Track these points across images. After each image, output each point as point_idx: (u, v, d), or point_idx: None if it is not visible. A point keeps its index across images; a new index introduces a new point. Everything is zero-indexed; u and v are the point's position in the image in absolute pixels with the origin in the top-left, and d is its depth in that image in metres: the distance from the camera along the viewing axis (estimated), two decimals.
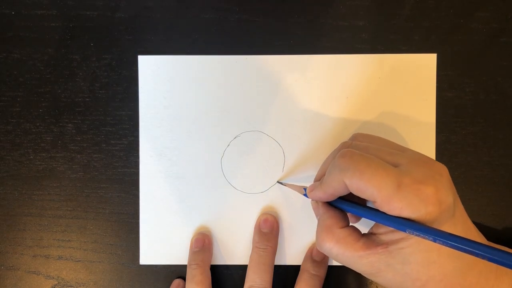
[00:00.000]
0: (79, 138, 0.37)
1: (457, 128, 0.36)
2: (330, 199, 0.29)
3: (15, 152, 0.37)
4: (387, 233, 0.27)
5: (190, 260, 0.36)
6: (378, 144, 0.29)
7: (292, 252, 0.37)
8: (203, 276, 0.35)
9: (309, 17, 0.36)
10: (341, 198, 0.30)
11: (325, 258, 0.36)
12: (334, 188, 0.28)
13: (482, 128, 0.36)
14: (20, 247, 0.37)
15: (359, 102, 0.36)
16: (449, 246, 0.24)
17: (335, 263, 0.37)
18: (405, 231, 0.25)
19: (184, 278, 0.37)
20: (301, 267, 0.36)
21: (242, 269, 0.36)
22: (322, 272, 0.35)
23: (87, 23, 0.37)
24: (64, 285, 0.37)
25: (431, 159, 0.27)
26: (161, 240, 0.37)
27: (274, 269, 0.35)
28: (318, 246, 0.29)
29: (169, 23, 0.37)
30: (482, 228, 0.36)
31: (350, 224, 0.29)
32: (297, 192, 0.35)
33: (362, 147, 0.29)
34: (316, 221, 0.37)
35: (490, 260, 0.23)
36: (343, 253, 0.28)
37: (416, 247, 0.26)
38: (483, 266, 0.27)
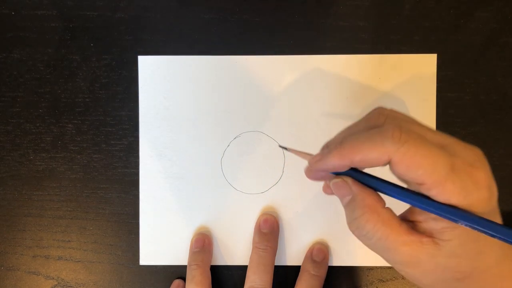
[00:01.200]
0: (79, 139, 0.37)
1: (457, 128, 0.36)
2: (342, 169, 0.25)
3: (15, 152, 0.37)
4: (428, 221, 0.24)
5: (190, 260, 0.36)
6: (416, 121, 0.26)
7: (292, 252, 0.37)
8: (203, 277, 0.34)
9: (309, 17, 0.36)
10: (364, 174, 0.26)
11: (325, 258, 0.36)
12: (366, 157, 0.24)
13: (482, 128, 0.36)
14: (20, 247, 0.37)
15: (359, 102, 0.36)
16: (507, 242, 0.22)
17: (335, 263, 0.36)
18: (457, 222, 0.23)
19: (184, 279, 0.37)
20: (301, 268, 0.36)
21: (242, 269, 0.36)
22: (323, 273, 0.35)
23: (87, 23, 0.37)
24: (64, 285, 0.37)
25: (465, 143, 0.25)
26: (161, 240, 0.37)
27: (274, 270, 0.35)
28: (357, 229, 0.25)
29: (169, 23, 0.37)
30: None
31: None
32: (296, 193, 0.35)
33: (404, 120, 0.25)
34: (315, 219, 0.37)
35: None
36: (387, 236, 0.24)
37: (465, 238, 0.23)
38: None
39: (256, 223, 0.36)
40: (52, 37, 0.37)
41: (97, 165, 0.37)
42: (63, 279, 0.37)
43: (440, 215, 0.23)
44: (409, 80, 0.36)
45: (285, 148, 0.30)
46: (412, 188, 0.24)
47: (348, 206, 0.26)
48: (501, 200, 0.35)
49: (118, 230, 0.37)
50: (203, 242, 0.36)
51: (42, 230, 0.37)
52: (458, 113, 0.36)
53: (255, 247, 0.35)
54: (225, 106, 0.37)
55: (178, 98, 0.37)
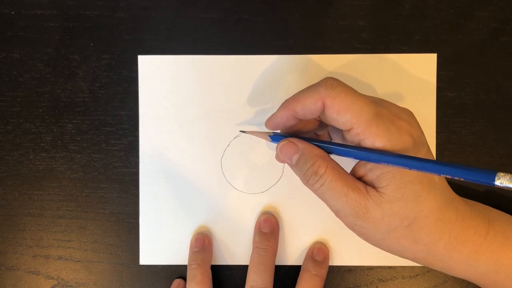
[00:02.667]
0: (79, 138, 0.37)
1: (457, 128, 0.36)
2: (290, 122, 0.29)
3: (15, 152, 0.37)
4: (367, 173, 0.27)
5: (190, 260, 0.36)
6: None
7: (292, 252, 0.37)
8: (203, 276, 0.35)
9: (309, 17, 0.36)
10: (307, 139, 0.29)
11: (326, 258, 0.36)
12: (305, 103, 0.27)
13: (482, 128, 0.36)
14: (20, 247, 0.37)
15: None
16: (429, 171, 0.24)
17: (334, 263, 0.36)
18: (380, 163, 0.25)
19: (184, 278, 0.37)
20: (301, 267, 0.36)
21: (243, 269, 0.36)
22: (323, 272, 0.35)
23: (87, 23, 0.37)
24: (64, 285, 0.37)
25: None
26: (161, 240, 0.37)
27: (275, 269, 0.35)
28: (311, 177, 0.28)
29: (169, 23, 0.37)
30: None
31: None
32: (296, 192, 0.35)
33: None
34: (315, 219, 0.37)
35: (474, 180, 0.23)
36: (337, 179, 0.27)
37: (399, 181, 0.26)
38: (458, 204, 0.28)
39: (256, 223, 0.36)
40: (52, 37, 0.37)
41: (97, 165, 0.37)
42: (63, 279, 0.37)
43: (363, 157, 0.26)
44: (409, 80, 0.36)
45: (244, 132, 0.35)
46: (346, 138, 0.27)
47: (298, 163, 0.28)
48: (502, 200, 0.35)
49: (118, 230, 0.37)
50: (203, 242, 0.36)
51: (42, 230, 0.37)
52: (458, 113, 0.36)
53: (255, 247, 0.35)
54: (225, 106, 0.37)
55: (178, 98, 0.37)
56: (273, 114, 0.30)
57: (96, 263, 0.37)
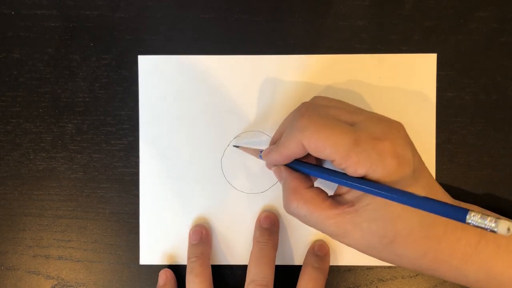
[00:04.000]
0: (79, 138, 0.37)
1: (457, 128, 0.36)
2: (286, 161, 0.30)
3: (15, 152, 0.37)
4: (349, 192, 0.27)
5: (189, 253, 0.36)
6: (336, 105, 0.29)
7: (292, 252, 0.37)
8: (202, 268, 0.34)
9: (309, 17, 0.36)
10: (298, 161, 0.30)
11: (328, 253, 0.36)
12: (291, 149, 0.28)
13: (482, 128, 0.36)
14: (20, 247, 0.37)
15: (359, 102, 0.36)
16: (400, 202, 0.24)
17: (334, 262, 0.36)
18: (362, 190, 0.26)
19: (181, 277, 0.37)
20: (304, 262, 0.36)
21: (242, 269, 0.36)
22: (326, 266, 0.35)
23: (87, 23, 0.37)
24: (64, 285, 0.37)
25: (387, 117, 0.28)
26: (161, 240, 0.37)
27: (276, 269, 0.35)
28: (286, 208, 0.29)
29: (169, 23, 0.37)
30: None
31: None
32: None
33: (321, 107, 0.29)
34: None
35: (446, 216, 0.23)
36: (311, 213, 0.28)
37: (379, 202, 0.26)
38: (450, 220, 0.27)
39: (257, 220, 0.36)
40: (52, 37, 0.37)
41: (97, 165, 0.37)
42: (63, 279, 0.37)
43: (345, 184, 0.27)
44: (409, 80, 0.36)
45: (238, 147, 0.36)
46: (334, 165, 0.27)
47: (282, 190, 0.30)
48: (502, 201, 0.35)
49: (118, 229, 0.37)
50: (201, 234, 0.36)
51: (42, 230, 0.37)
52: (458, 113, 0.36)
53: (256, 241, 0.35)
54: (225, 106, 0.37)
55: (178, 98, 0.37)
56: (267, 160, 0.31)
57: (96, 263, 0.37)
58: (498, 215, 0.24)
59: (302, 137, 0.27)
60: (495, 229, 0.21)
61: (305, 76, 0.36)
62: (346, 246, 0.36)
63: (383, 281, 0.37)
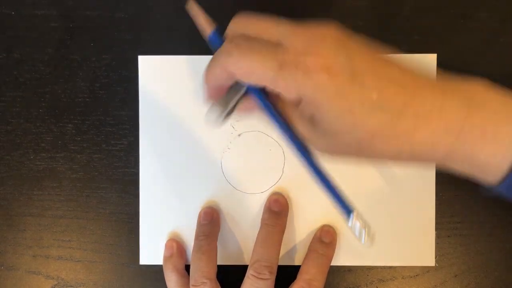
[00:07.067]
0: (79, 138, 0.37)
1: None
2: (212, 90, 0.27)
3: (15, 152, 0.37)
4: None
5: (197, 232, 0.35)
6: (260, 22, 0.27)
7: (292, 252, 0.37)
8: (210, 247, 0.34)
9: (308, 17, 0.36)
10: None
11: (333, 240, 0.36)
12: (213, 73, 0.26)
13: None
14: (20, 247, 0.37)
15: None
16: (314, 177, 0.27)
17: (334, 263, 0.36)
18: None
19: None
20: (308, 248, 0.36)
21: (242, 269, 0.36)
22: (330, 253, 0.35)
23: (87, 23, 0.37)
24: (64, 285, 0.37)
25: (316, 23, 0.25)
26: (161, 240, 0.37)
27: (279, 269, 0.35)
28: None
29: (169, 23, 0.37)
30: (482, 226, 0.36)
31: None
32: (296, 193, 0.35)
33: (247, 27, 0.27)
34: (315, 219, 0.37)
35: (337, 205, 0.27)
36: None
37: (328, 114, 0.24)
38: (424, 99, 0.23)
39: (266, 202, 0.36)
40: (52, 37, 0.37)
41: (97, 165, 0.37)
42: (63, 279, 0.37)
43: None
44: None
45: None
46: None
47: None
48: (502, 201, 0.35)
49: (118, 230, 0.37)
50: (212, 216, 0.36)
51: (42, 230, 0.37)
52: None
53: (264, 223, 0.35)
54: None
55: (178, 98, 0.37)
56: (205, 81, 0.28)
57: (96, 263, 0.37)
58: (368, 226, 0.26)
59: (227, 63, 0.25)
60: (359, 238, 0.25)
61: None
62: (346, 246, 0.36)
63: (383, 281, 0.37)
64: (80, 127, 0.37)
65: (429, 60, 0.36)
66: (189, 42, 0.37)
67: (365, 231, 0.26)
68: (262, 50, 0.24)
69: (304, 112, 0.25)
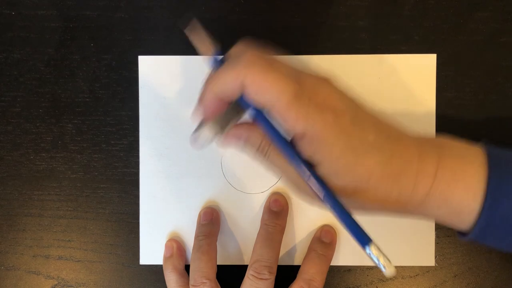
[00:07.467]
0: (79, 138, 0.37)
1: (457, 128, 0.36)
2: (213, 102, 0.27)
3: (15, 152, 0.37)
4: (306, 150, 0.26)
5: (197, 232, 0.36)
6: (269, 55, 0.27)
7: (291, 252, 0.37)
8: (210, 247, 0.34)
9: (308, 17, 0.36)
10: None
11: (333, 241, 0.36)
12: (223, 80, 0.25)
13: (482, 128, 0.36)
14: (20, 247, 0.37)
15: None
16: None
17: (334, 263, 0.36)
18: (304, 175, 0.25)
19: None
20: (308, 247, 0.36)
21: (242, 269, 0.36)
22: (330, 253, 0.35)
23: (87, 23, 0.37)
24: (64, 285, 0.37)
25: (315, 72, 0.27)
26: (161, 240, 0.37)
27: (279, 269, 0.35)
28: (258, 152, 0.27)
29: (169, 23, 0.37)
30: None
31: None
32: (297, 193, 0.35)
33: (266, 53, 0.27)
34: (314, 219, 0.37)
35: (352, 235, 0.25)
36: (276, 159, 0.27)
37: (330, 155, 0.25)
38: (403, 151, 0.26)
39: (266, 202, 0.36)
40: (52, 37, 0.37)
41: (97, 165, 0.37)
42: (63, 279, 0.37)
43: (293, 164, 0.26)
44: (409, 80, 0.36)
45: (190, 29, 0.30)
46: (268, 114, 0.25)
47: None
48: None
49: (118, 230, 0.37)
50: (211, 216, 0.36)
51: (42, 230, 0.37)
52: (458, 113, 0.36)
53: (263, 224, 0.35)
54: None
55: (178, 98, 0.37)
56: (203, 89, 0.27)
57: (96, 263, 0.37)
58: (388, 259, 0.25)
59: (247, 73, 0.24)
60: (383, 269, 0.24)
61: None
62: (346, 246, 0.36)
63: (383, 281, 0.37)
64: (80, 127, 0.37)
65: (429, 60, 0.36)
66: (189, 42, 0.37)
67: (383, 259, 0.25)
68: (282, 73, 0.24)
69: (304, 150, 0.25)
